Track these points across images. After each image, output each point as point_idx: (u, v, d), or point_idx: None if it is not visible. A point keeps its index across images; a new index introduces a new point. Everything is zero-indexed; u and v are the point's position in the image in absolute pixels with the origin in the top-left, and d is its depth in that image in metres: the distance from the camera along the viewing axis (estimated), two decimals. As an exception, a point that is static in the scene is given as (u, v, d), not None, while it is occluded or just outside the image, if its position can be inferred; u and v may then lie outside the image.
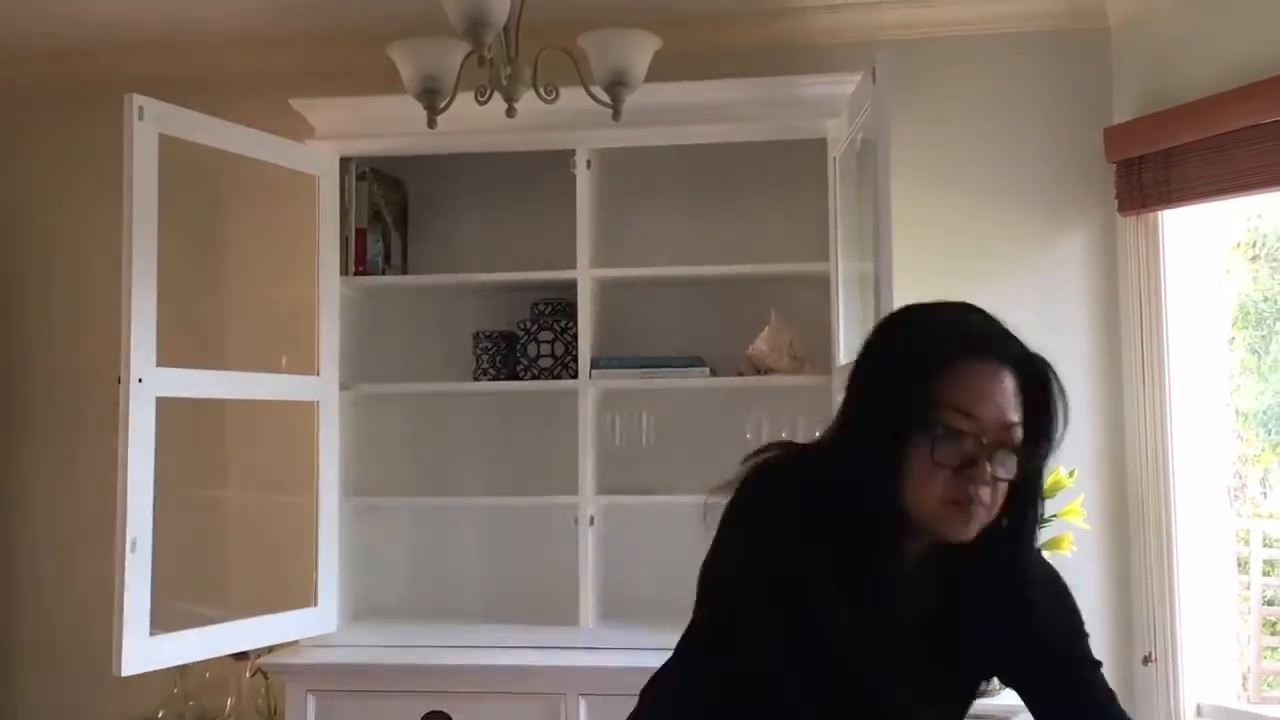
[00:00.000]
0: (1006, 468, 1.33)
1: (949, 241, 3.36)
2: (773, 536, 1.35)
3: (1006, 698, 3.00)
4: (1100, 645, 3.39)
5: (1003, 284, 3.37)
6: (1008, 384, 1.34)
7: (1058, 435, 1.36)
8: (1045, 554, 3.13)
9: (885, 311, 2.55)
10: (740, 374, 3.25)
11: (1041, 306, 3.35)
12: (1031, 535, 1.41)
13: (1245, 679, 3.19)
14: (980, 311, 1.42)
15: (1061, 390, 1.37)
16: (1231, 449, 3.27)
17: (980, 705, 3.11)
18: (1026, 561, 1.42)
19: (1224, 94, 2.91)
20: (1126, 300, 3.26)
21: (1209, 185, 3.00)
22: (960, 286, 3.50)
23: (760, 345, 3.19)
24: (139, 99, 2.78)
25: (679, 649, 1.53)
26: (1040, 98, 3.38)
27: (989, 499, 1.33)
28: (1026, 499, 1.38)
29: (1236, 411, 3.28)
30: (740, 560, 1.38)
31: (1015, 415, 1.34)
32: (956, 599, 1.40)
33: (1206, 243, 3.24)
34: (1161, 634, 3.11)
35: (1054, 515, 3.02)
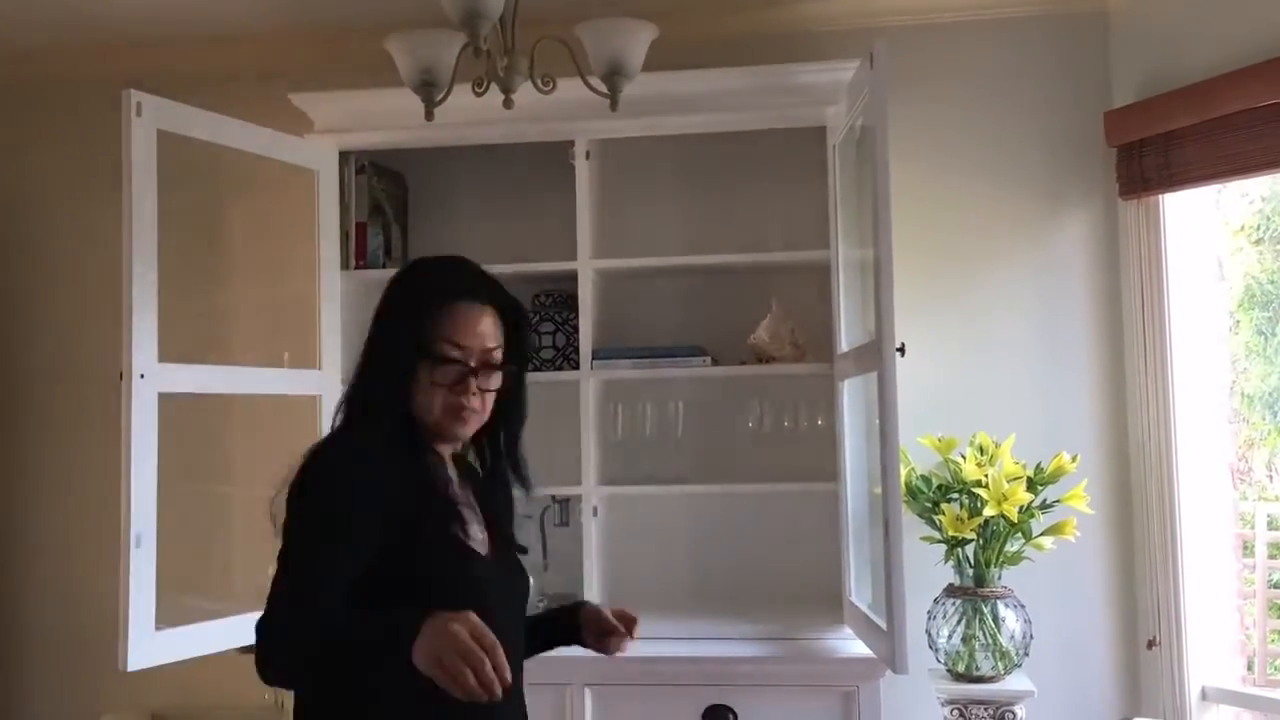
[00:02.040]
0: (490, 382, 1.77)
1: (949, 227, 3.36)
2: (340, 476, 1.65)
3: (1011, 683, 3.02)
4: (1104, 629, 3.44)
5: (1003, 269, 3.37)
6: (487, 319, 1.76)
7: (527, 356, 1.84)
8: (1049, 539, 3.17)
9: (886, 298, 2.57)
10: (742, 363, 3.25)
11: (1043, 291, 3.35)
12: (518, 432, 1.87)
13: (1251, 662, 3.19)
14: (469, 263, 1.82)
15: (527, 322, 1.84)
16: (1237, 432, 3.27)
17: (982, 691, 3.12)
18: (520, 451, 1.87)
19: (1224, 76, 2.90)
20: (1128, 284, 3.25)
21: (1210, 168, 2.99)
22: (961, 272, 3.52)
23: (761, 334, 3.19)
24: (136, 95, 2.78)
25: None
26: (1039, 82, 3.37)
27: (479, 406, 1.76)
28: (512, 405, 1.83)
29: (1242, 394, 3.27)
30: (318, 505, 1.64)
31: (494, 343, 1.76)
32: (483, 492, 1.84)
33: (1208, 226, 3.23)
34: (1166, 618, 3.11)
35: (1058, 500, 3.03)
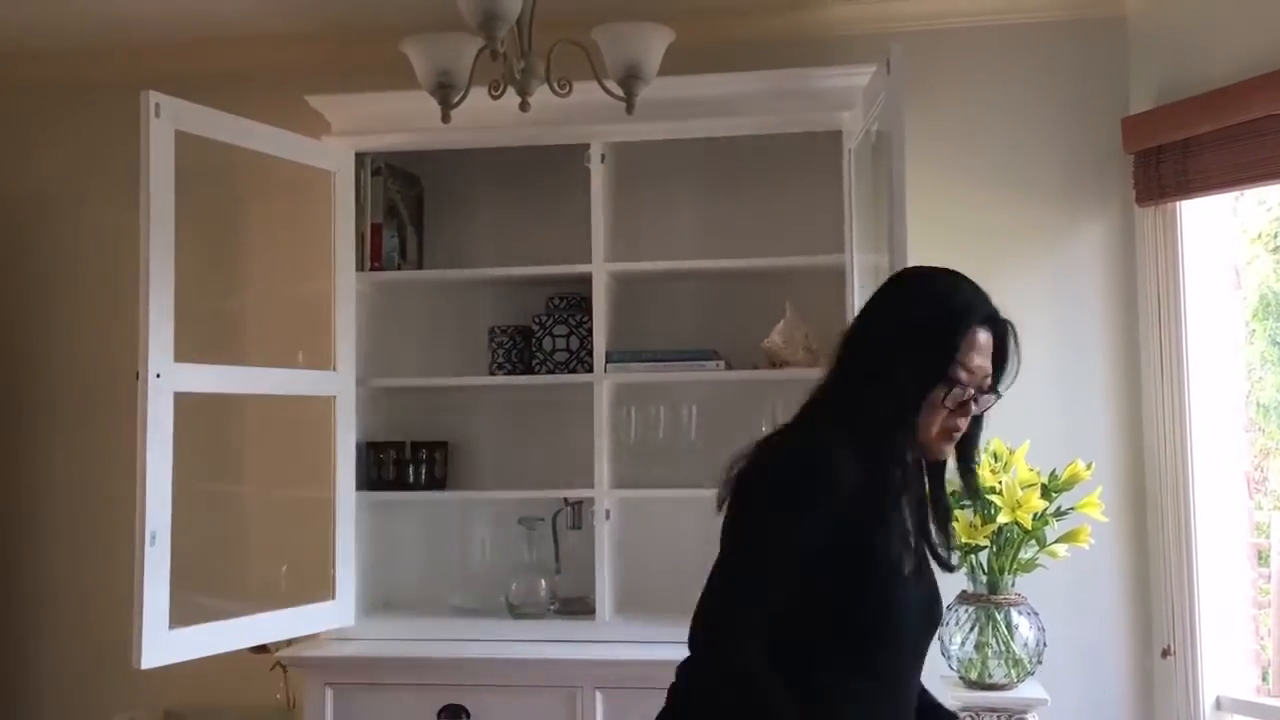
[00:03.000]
0: (984, 405, 1.76)
1: (965, 233, 3.35)
2: (813, 477, 1.66)
3: (1024, 691, 3.01)
4: (1119, 638, 3.42)
5: (1019, 276, 3.35)
6: (988, 341, 1.73)
7: (1010, 379, 1.78)
8: (1063, 546, 3.15)
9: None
10: (755, 367, 3.25)
11: (1059, 298, 3.34)
12: (978, 453, 1.87)
13: (1266, 672, 3.17)
14: (969, 280, 1.80)
15: (1017, 345, 1.77)
16: (1252, 441, 3.25)
17: (995, 698, 3.11)
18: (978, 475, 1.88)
19: (1242, 83, 2.89)
20: (1144, 291, 3.24)
21: (1228, 175, 2.98)
22: (976, 277, 3.50)
23: (775, 338, 3.19)
24: (155, 96, 2.79)
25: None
26: (1056, 88, 3.36)
27: (964, 429, 1.76)
28: (978, 425, 1.80)
29: (1257, 404, 3.25)
30: (786, 505, 1.66)
31: (990, 365, 1.74)
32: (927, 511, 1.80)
33: (1225, 234, 3.21)
34: (1180, 627, 3.10)
35: (1072, 508, 3.01)
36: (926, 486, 1.80)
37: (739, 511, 1.70)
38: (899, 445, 1.71)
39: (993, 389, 1.74)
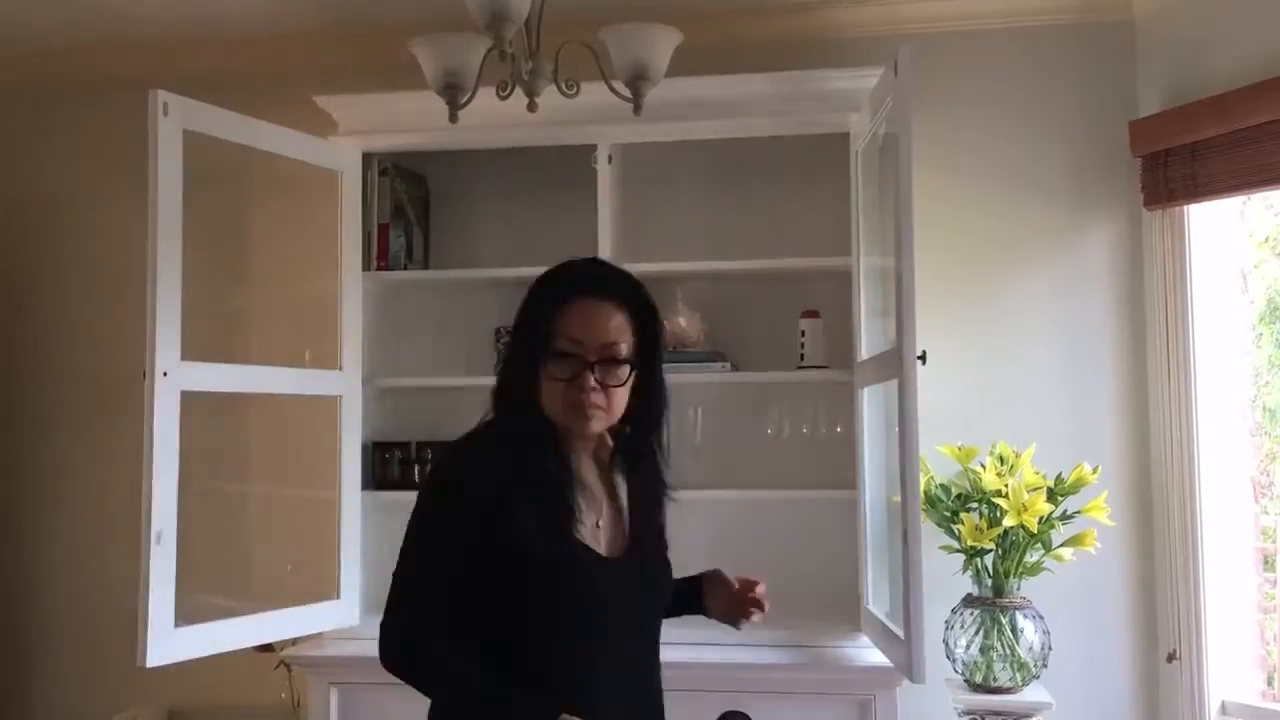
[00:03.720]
0: (611, 377, 1.73)
1: (972, 236, 3.35)
2: (465, 472, 1.73)
3: (1028, 694, 3.00)
4: (1124, 642, 3.41)
5: (1026, 279, 3.35)
6: (609, 314, 1.73)
7: (658, 353, 1.80)
8: (1069, 550, 3.15)
9: (908, 306, 2.57)
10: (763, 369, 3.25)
11: (1065, 301, 3.34)
12: (655, 428, 1.85)
13: (1271, 677, 3.16)
14: (601, 263, 1.88)
15: (656, 319, 1.79)
16: (1259, 446, 3.24)
17: (1000, 702, 3.11)
18: (658, 450, 1.87)
19: (1251, 87, 2.88)
20: (1151, 295, 3.23)
21: (1236, 179, 2.97)
22: (983, 281, 3.51)
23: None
24: (163, 95, 2.79)
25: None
26: (1064, 91, 3.35)
27: (603, 402, 1.73)
28: (647, 399, 1.80)
29: (1264, 408, 3.25)
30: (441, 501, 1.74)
31: (616, 337, 1.73)
32: (626, 494, 1.84)
33: (1232, 238, 3.21)
34: (1186, 631, 3.09)
35: (1078, 511, 3.01)
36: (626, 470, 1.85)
37: (411, 519, 1.77)
38: (535, 427, 1.74)
39: (618, 359, 1.73)
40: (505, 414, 1.77)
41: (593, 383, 1.71)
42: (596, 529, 1.78)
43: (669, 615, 1.93)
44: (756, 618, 1.93)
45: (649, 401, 1.81)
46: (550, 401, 1.73)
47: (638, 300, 1.78)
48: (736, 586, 1.94)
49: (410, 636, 1.71)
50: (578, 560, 1.72)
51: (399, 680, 1.75)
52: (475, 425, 1.81)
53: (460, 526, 1.70)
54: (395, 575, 1.75)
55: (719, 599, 1.96)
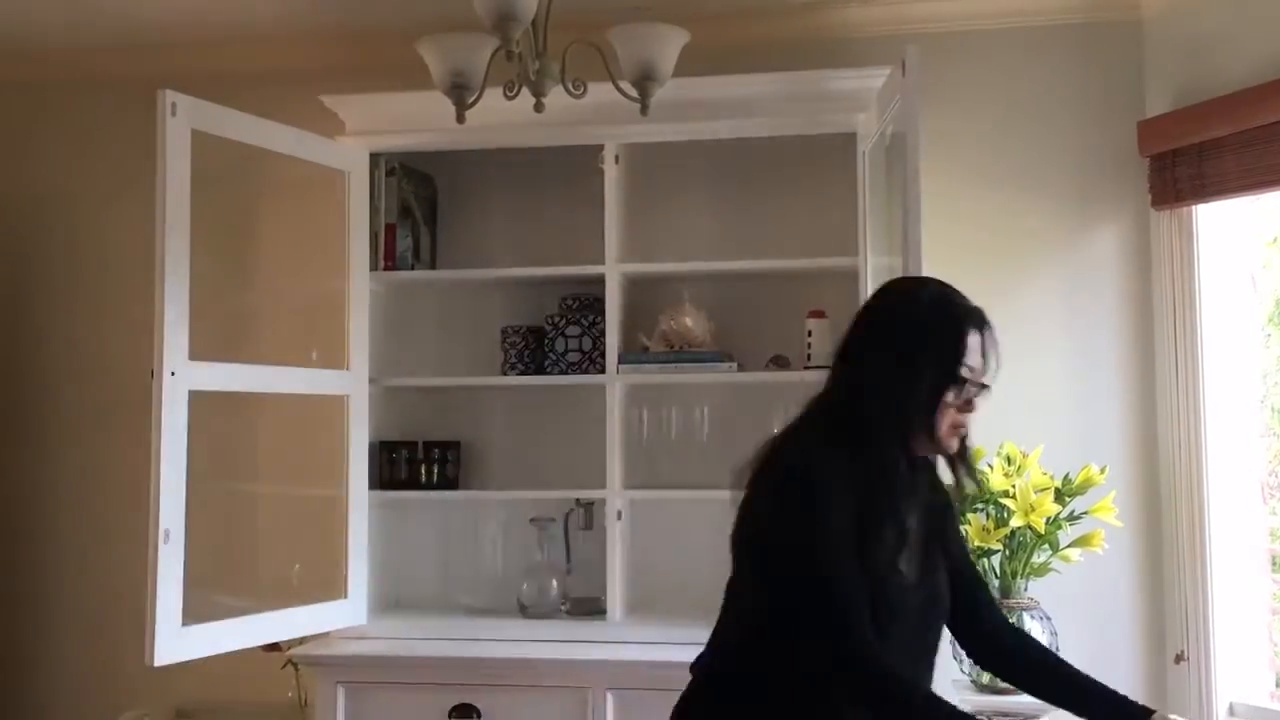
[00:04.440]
0: (982, 402, 1.88)
1: (979, 236, 3.34)
2: (824, 482, 1.76)
3: (1031, 697, 2.99)
4: (1132, 643, 3.40)
5: (1034, 279, 3.34)
6: (978, 342, 1.86)
7: (995, 374, 1.90)
8: (1076, 551, 3.13)
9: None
10: (767, 368, 3.24)
11: (1073, 302, 3.33)
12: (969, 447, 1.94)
13: (1280, 679, 3.16)
14: (952, 286, 1.94)
15: (996, 343, 1.89)
16: (1268, 447, 3.23)
17: (1008, 703, 3.10)
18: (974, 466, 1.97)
19: (1260, 86, 2.87)
20: (1159, 295, 3.23)
21: (1245, 179, 2.96)
22: (991, 280, 3.49)
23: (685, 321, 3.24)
24: (171, 94, 2.80)
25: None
26: (1072, 91, 3.35)
27: (968, 425, 1.89)
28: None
29: (1273, 409, 3.24)
30: (803, 509, 1.75)
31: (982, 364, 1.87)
32: (926, 511, 1.90)
33: (1241, 237, 3.20)
34: (1194, 632, 3.08)
35: (1085, 512, 3.00)
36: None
37: (772, 516, 1.78)
38: (907, 446, 1.82)
39: (987, 386, 1.88)
40: (893, 427, 1.81)
41: (975, 409, 1.87)
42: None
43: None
44: None
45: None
46: (942, 423, 1.83)
47: (990, 328, 1.90)
48: None
49: (866, 643, 1.72)
50: (905, 580, 1.82)
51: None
52: (813, 430, 1.88)
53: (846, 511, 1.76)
54: (799, 576, 1.74)
55: None
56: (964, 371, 1.82)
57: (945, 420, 1.83)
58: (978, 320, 1.86)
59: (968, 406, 1.84)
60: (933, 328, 1.84)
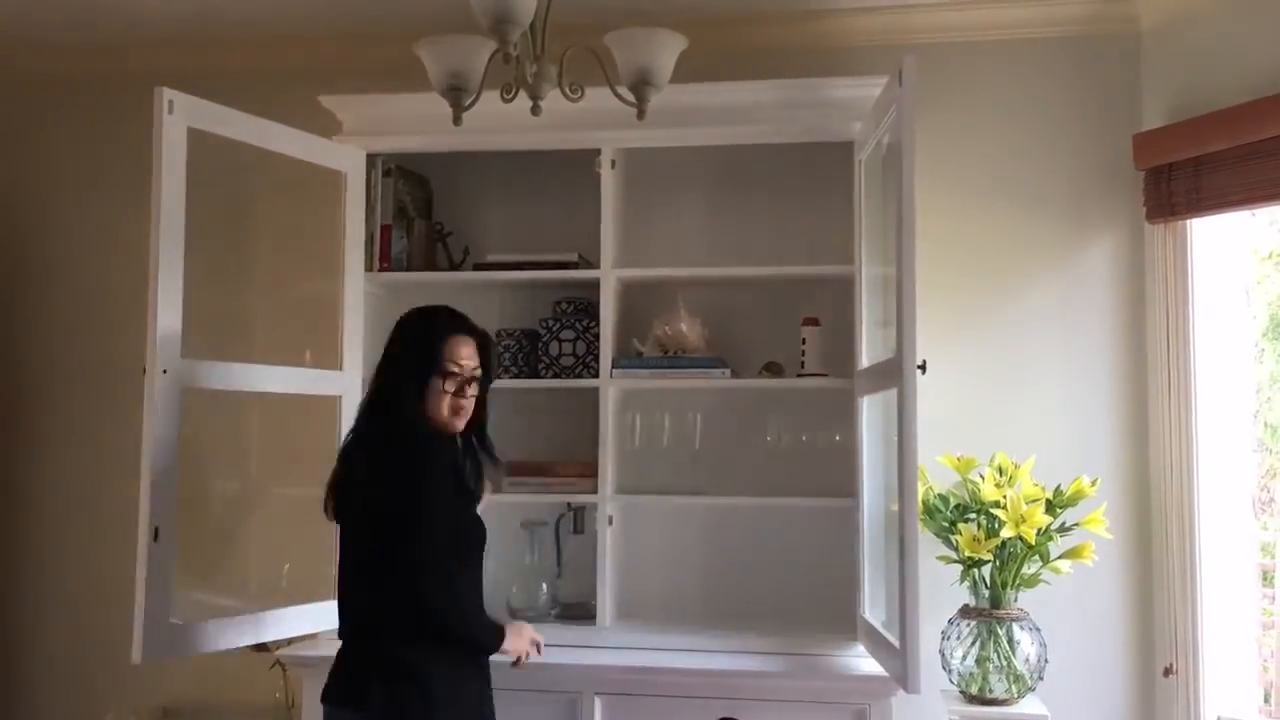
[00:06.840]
0: (475, 390, 2.53)
1: (974, 246, 3.35)
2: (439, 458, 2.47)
3: (1024, 706, 2.99)
4: (1121, 655, 3.40)
5: (1027, 289, 3.35)
6: (472, 348, 2.53)
7: (492, 375, 2.59)
8: (1066, 562, 3.13)
9: (908, 315, 2.57)
10: (760, 375, 3.24)
11: (1067, 313, 3.33)
12: (486, 424, 2.61)
13: (1269, 694, 3.15)
14: (453, 309, 2.58)
15: (494, 349, 2.62)
16: (1260, 462, 3.24)
17: (995, 714, 3.08)
18: (488, 437, 2.62)
19: (1256, 101, 2.88)
20: (1153, 309, 3.23)
21: (1240, 194, 2.97)
22: (984, 291, 3.50)
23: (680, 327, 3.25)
24: (169, 93, 2.79)
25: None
26: (1068, 103, 3.35)
27: (469, 408, 2.52)
28: (482, 407, 2.58)
29: (1265, 424, 3.24)
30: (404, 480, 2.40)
31: (475, 363, 2.52)
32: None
33: (1235, 252, 3.21)
34: (1183, 646, 3.08)
35: (1076, 524, 3.01)
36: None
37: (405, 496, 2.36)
38: (427, 427, 2.45)
39: (477, 379, 2.51)
40: (396, 415, 2.45)
41: (468, 394, 2.51)
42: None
43: None
44: None
45: (483, 408, 2.58)
46: (438, 407, 2.47)
47: (483, 338, 2.57)
48: None
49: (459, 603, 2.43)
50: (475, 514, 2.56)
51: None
52: (365, 425, 2.51)
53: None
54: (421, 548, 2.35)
55: None
56: (446, 364, 2.46)
57: (442, 404, 2.47)
58: (453, 328, 2.51)
59: (460, 392, 2.48)
60: (414, 334, 2.52)
